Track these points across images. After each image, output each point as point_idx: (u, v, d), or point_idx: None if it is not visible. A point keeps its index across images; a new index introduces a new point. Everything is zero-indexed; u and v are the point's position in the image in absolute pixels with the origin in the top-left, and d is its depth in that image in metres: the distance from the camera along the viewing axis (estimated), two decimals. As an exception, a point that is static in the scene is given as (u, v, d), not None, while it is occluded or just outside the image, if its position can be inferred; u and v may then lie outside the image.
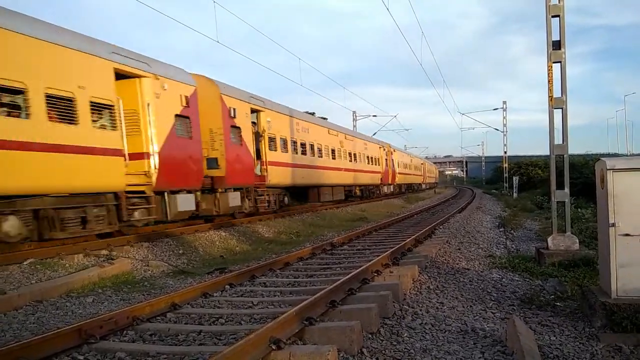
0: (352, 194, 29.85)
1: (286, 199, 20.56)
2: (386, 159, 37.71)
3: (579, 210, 16.18)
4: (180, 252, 11.43)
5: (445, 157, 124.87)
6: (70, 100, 9.66)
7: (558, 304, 6.32)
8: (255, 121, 17.51)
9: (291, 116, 20.47)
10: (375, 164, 34.69)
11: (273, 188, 18.52)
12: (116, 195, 10.84)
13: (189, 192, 13.31)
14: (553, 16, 9.20)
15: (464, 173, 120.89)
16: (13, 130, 8.60)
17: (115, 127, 10.81)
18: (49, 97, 9.18)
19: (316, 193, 23.39)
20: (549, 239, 9.12)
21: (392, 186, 38.89)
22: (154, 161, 11.85)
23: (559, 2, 9.18)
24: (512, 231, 14.87)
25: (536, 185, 38.66)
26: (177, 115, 12.74)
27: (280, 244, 13.51)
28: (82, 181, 9.97)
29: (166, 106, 12.35)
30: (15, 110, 8.79)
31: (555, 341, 5.02)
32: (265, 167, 17.56)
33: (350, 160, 28.77)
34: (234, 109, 15.45)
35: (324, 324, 5.02)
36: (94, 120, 10.32)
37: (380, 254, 8.99)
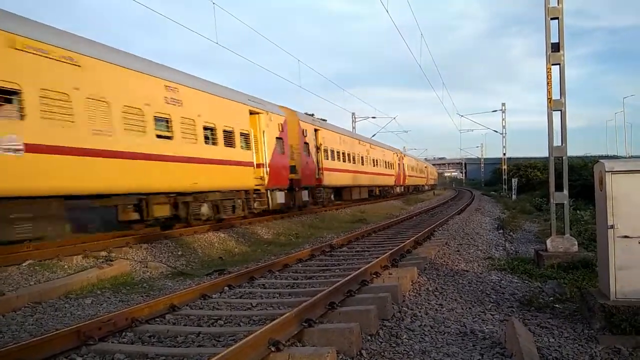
0: (373, 193, 35.48)
1: (332, 196, 26.45)
2: (399, 164, 44.76)
3: (578, 212, 16.20)
4: (179, 253, 11.42)
5: (439, 158, 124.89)
6: (231, 132, 15.54)
7: (557, 306, 6.32)
8: (315, 137, 23.59)
9: (336, 132, 27.25)
10: (390, 168, 41.15)
11: (326, 188, 24.75)
12: (247, 192, 16.63)
13: (280, 190, 18.89)
14: (552, 18, 9.22)
15: (463, 175, 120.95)
16: (212, 153, 14.47)
17: (249, 147, 16.81)
18: (224, 131, 15.12)
19: (349, 192, 29.24)
20: (548, 241, 9.12)
21: (402, 187, 44.56)
22: (266, 169, 17.68)
23: (557, 5, 9.21)
24: (511, 233, 14.87)
25: (535, 187, 38.65)
26: (276, 138, 18.70)
27: (279, 246, 13.50)
28: (235, 182, 15.82)
29: (272, 132, 18.38)
30: (212, 140, 14.66)
31: (554, 343, 5.02)
32: (322, 172, 23.69)
33: (373, 165, 34.89)
34: (305, 130, 22.05)
35: (323, 326, 5.02)
36: (241, 144, 16.19)
37: (379, 255, 8.99)
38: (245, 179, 16.21)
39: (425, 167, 54.06)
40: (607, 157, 52.69)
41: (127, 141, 11.14)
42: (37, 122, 9.04)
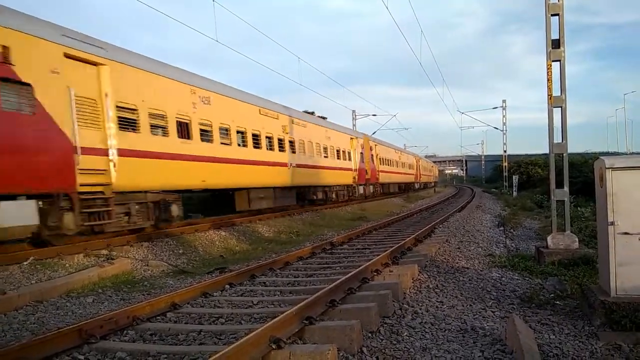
0: (402, 188, 44.38)
1: (381, 189, 35.76)
2: (417, 165, 50.77)
3: (579, 209, 16.21)
4: (180, 251, 11.44)
5: (431, 155, 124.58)
6: (349, 152, 27.94)
7: (557, 302, 6.33)
8: (375, 150, 33.89)
9: (382, 144, 37.10)
10: (411, 169, 49.81)
11: (380, 184, 35.04)
12: (349, 186, 27.43)
13: (365, 185, 30.07)
14: (552, 15, 9.21)
15: (464, 172, 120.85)
16: (337, 163, 25.20)
17: (350, 159, 27.76)
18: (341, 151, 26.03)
19: (388, 187, 38.12)
20: (549, 238, 9.13)
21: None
22: (356, 172, 28.45)
23: (558, 1, 9.19)
24: (511, 230, 14.88)
25: (536, 184, 38.66)
26: (360, 152, 29.47)
27: (280, 244, 13.51)
28: (346, 180, 26.84)
29: (357, 149, 29.07)
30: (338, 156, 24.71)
31: (555, 340, 5.03)
32: (377, 173, 33.83)
33: (402, 167, 45.33)
34: (371, 147, 32.66)
35: (323, 323, 5.03)
36: (346, 158, 26.82)
37: (380, 253, 9.00)
38: (348, 177, 27.15)
39: (417, 161, 54.63)
40: (607, 153, 52.67)
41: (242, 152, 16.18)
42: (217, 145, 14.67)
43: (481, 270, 8.50)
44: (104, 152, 10.37)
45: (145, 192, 11.75)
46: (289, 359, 4.13)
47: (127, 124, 11.07)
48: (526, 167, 47.34)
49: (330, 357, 4.10)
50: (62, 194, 9.28)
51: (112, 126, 10.53)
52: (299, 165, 20.53)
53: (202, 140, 13.84)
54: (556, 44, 9.21)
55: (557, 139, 9.34)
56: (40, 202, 8.91)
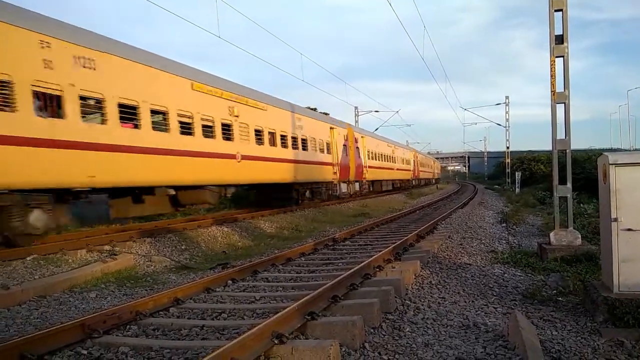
0: (396, 186, 41.36)
1: (371, 187, 32.98)
2: (414, 161, 49.07)
3: (582, 205, 16.18)
4: (183, 247, 11.46)
5: (433, 152, 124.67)
6: (327, 144, 24.02)
7: (560, 299, 6.32)
8: (362, 143, 30.13)
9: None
10: (408, 164, 46.68)
11: (369, 181, 32.02)
12: (328, 183, 24.32)
13: (348, 182, 26.86)
14: (556, 10, 9.17)
15: (466, 168, 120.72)
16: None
17: (330, 152, 24.29)
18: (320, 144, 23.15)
19: (380, 184, 35.66)
20: (551, 234, 9.11)
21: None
22: (337, 167, 24.92)
23: (561, -3, 9.14)
24: (514, 226, 14.86)
25: (538, 181, 38.54)
26: (343, 145, 26.14)
27: (282, 240, 13.53)
28: (324, 176, 23.46)
29: (339, 141, 25.64)
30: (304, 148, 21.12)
31: (557, 336, 5.03)
32: (365, 169, 30.18)
33: (396, 162, 41.21)
34: (356, 138, 28.80)
35: (326, 319, 5.04)
36: (323, 150, 23.50)
37: (382, 249, 9.00)
38: (330, 174, 24.23)
39: (415, 156, 54.15)
40: (611, 150, 52.48)
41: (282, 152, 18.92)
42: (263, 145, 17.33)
43: (483, 267, 8.50)
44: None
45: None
46: (291, 354, 4.14)
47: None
48: (529, 164, 47.20)
49: (333, 352, 4.10)
50: None
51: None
52: (253, 158, 16.34)
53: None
54: (560, 39, 9.17)
55: (561, 135, 9.31)
56: None
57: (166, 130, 12.48)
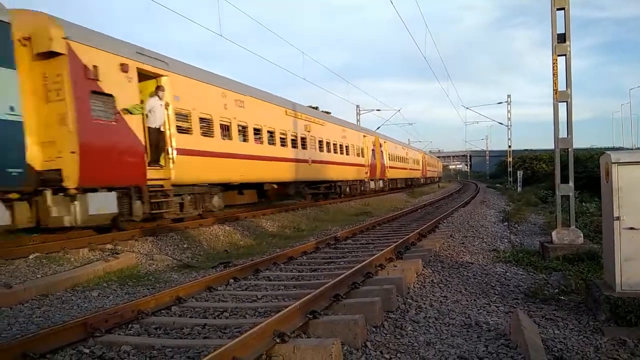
0: (408, 183, 46.46)
1: (389, 184, 37.11)
2: (422, 161, 52.66)
3: (584, 204, 16.15)
4: (185, 246, 11.47)
5: (435, 151, 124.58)
6: (362, 149, 29.69)
7: (562, 297, 6.32)
8: (383, 147, 34.72)
9: (391, 141, 38.57)
10: (417, 164, 51.07)
11: (389, 179, 36.80)
12: (361, 180, 29.59)
13: (374, 180, 32.13)
14: (558, 9, 9.14)
15: (468, 167, 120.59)
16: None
17: (363, 156, 29.75)
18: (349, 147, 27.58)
19: (395, 182, 40.73)
20: (553, 233, 9.10)
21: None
22: (368, 168, 30.53)
23: (564, -5, 9.12)
24: (516, 225, 14.85)
25: (540, 180, 38.50)
26: (372, 150, 31.59)
27: (284, 238, 13.53)
28: (359, 176, 28.94)
29: (369, 146, 31.20)
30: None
31: (559, 335, 5.02)
32: (386, 169, 35.46)
33: (409, 163, 47.02)
34: (380, 143, 33.89)
35: (327, 318, 5.04)
36: (359, 154, 28.87)
37: (384, 248, 8.99)
38: (363, 174, 29.67)
39: (423, 157, 56.87)
40: (613, 149, 52.36)
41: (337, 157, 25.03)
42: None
43: (485, 265, 8.49)
44: (167, 152, 12.28)
45: (193, 185, 13.47)
46: (293, 353, 4.14)
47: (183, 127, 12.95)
48: (531, 163, 47.15)
49: (334, 351, 4.10)
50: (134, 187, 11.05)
51: (172, 129, 12.41)
52: (318, 162, 22.67)
53: (241, 140, 15.94)
54: (562, 38, 9.15)
55: (563, 133, 9.29)
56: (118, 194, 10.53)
57: (274, 144, 18.24)
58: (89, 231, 11.34)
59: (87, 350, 4.57)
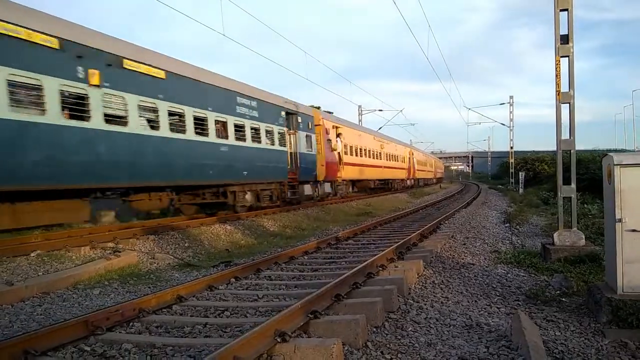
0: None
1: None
2: (409, 158, 51.37)
3: (586, 206, 16.11)
4: (186, 245, 11.48)
5: (437, 152, 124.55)
6: (405, 158, 45.06)
7: (563, 299, 6.31)
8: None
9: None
10: (403, 162, 46.54)
11: (348, 180, 29.29)
12: (403, 179, 43.64)
13: (409, 179, 46.70)
14: (561, 10, 9.13)
15: (470, 168, 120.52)
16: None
17: (405, 162, 44.72)
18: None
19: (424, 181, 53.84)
20: (555, 235, 9.08)
21: (412, 180, 48.55)
22: (407, 171, 46.60)
23: (567, -4, 9.10)
24: (517, 227, 14.82)
25: (542, 181, 38.40)
26: (408, 158, 47.25)
27: (285, 238, 13.53)
28: (402, 176, 43.29)
29: (407, 155, 46.73)
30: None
31: (561, 336, 5.02)
32: (341, 166, 26.36)
33: (387, 159, 42.30)
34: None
35: (329, 318, 5.03)
36: (404, 161, 44.76)
37: (385, 248, 8.99)
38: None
39: (434, 161, 58.20)
40: (615, 150, 52.21)
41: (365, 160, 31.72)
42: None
43: (487, 267, 8.48)
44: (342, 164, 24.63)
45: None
46: (294, 353, 4.14)
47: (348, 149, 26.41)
48: (533, 164, 47.05)
49: (335, 351, 4.10)
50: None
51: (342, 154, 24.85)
52: (387, 167, 38.43)
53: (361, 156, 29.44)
54: (565, 39, 9.13)
55: (565, 135, 9.28)
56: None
57: (368, 157, 30.77)
58: (90, 229, 11.36)
59: (88, 348, 4.57)
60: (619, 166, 5.34)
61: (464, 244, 10.80)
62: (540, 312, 5.84)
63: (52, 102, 9.55)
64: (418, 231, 11.57)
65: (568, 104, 9.15)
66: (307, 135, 20.89)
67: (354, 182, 30.35)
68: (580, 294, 6.41)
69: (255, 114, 17.00)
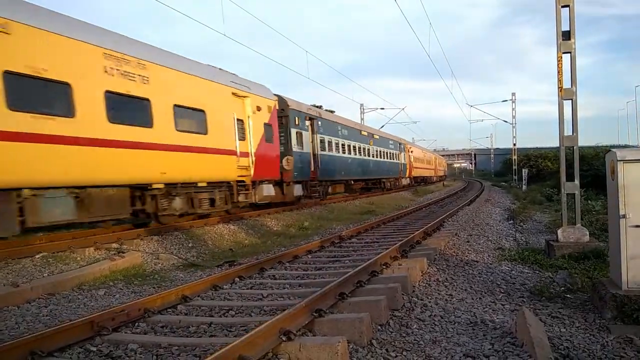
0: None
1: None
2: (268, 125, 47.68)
3: (589, 202, 16.08)
4: (190, 245, 11.50)
5: (440, 149, 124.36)
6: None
7: (568, 295, 6.30)
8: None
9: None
10: (396, 159, 41.75)
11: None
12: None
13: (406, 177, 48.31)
14: (563, 6, 9.11)
15: (473, 165, 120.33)
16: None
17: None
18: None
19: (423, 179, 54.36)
20: (559, 231, 9.07)
21: (408, 179, 45.11)
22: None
23: (569, -8, 9.08)
24: (521, 223, 14.80)
25: (546, 178, 38.39)
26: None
27: (289, 237, 13.55)
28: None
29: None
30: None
31: (566, 333, 5.02)
32: (414, 169, 43.80)
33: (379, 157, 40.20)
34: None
35: (333, 316, 5.04)
36: (396, 158, 41.68)
37: (389, 246, 9.00)
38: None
39: (435, 158, 57.25)
40: (618, 146, 52.09)
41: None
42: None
43: (491, 264, 8.48)
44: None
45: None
46: (299, 351, 4.15)
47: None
48: (536, 161, 47.03)
49: (340, 349, 4.11)
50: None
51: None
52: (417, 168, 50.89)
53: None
54: (567, 35, 9.12)
55: (568, 131, 9.26)
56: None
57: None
58: (94, 230, 11.41)
59: (94, 349, 4.59)
60: (622, 162, 5.33)
61: (468, 242, 10.80)
62: (545, 309, 5.84)
63: (353, 151, 27.71)
64: (421, 229, 11.57)
65: (570, 100, 9.13)
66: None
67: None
68: (584, 290, 6.41)
69: (389, 144, 37.51)
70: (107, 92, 10.22)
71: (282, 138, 18.93)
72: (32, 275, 7.91)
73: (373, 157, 32.33)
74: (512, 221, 15.31)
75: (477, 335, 4.95)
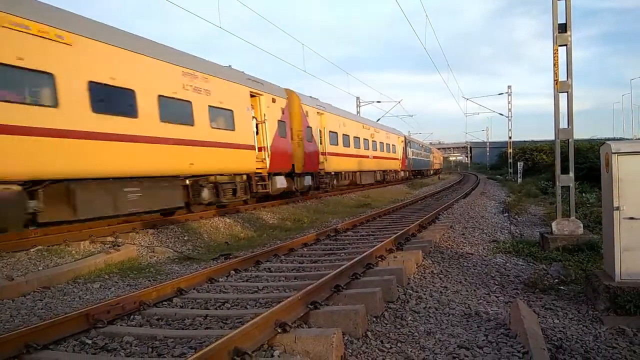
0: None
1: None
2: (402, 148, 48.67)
3: (584, 195, 16.14)
4: (185, 238, 11.50)
5: (435, 142, 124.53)
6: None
7: (562, 287, 6.35)
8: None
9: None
10: (393, 152, 40.99)
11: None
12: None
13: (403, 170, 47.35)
14: (559, -1, 9.10)
15: (468, 159, 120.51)
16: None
17: (396, 152, 40.46)
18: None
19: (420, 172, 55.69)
20: (553, 224, 9.12)
21: (406, 172, 45.24)
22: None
23: (564, -15, 9.07)
24: (516, 216, 14.85)
25: (541, 171, 38.46)
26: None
27: (284, 230, 13.55)
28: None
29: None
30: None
31: (559, 324, 5.06)
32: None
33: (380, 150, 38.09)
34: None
35: (328, 308, 5.06)
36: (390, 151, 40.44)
37: (384, 239, 9.02)
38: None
39: (432, 152, 57.66)
40: (614, 139, 52.21)
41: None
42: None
43: (485, 256, 8.52)
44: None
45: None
46: (294, 343, 4.17)
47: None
48: (531, 154, 47.10)
49: (335, 340, 4.12)
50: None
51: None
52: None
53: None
54: (563, 28, 9.11)
55: (563, 124, 9.29)
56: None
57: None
58: (90, 223, 11.37)
59: (89, 341, 4.60)
60: (616, 154, 5.35)
61: (463, 234, 10.84)
62: (538, 301, 5.88)
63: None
64: (417, 222, 11.60)
65: (566, 93, 9.15)
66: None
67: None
68: (578, 282, 6.45)
69: (388, 137, 38.85)
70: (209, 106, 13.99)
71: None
72: (27, 269, 7.90)
73: (374, 150, 32.72)
74: (507, 214, 15.36)
75: (471, 326, 4.98)
